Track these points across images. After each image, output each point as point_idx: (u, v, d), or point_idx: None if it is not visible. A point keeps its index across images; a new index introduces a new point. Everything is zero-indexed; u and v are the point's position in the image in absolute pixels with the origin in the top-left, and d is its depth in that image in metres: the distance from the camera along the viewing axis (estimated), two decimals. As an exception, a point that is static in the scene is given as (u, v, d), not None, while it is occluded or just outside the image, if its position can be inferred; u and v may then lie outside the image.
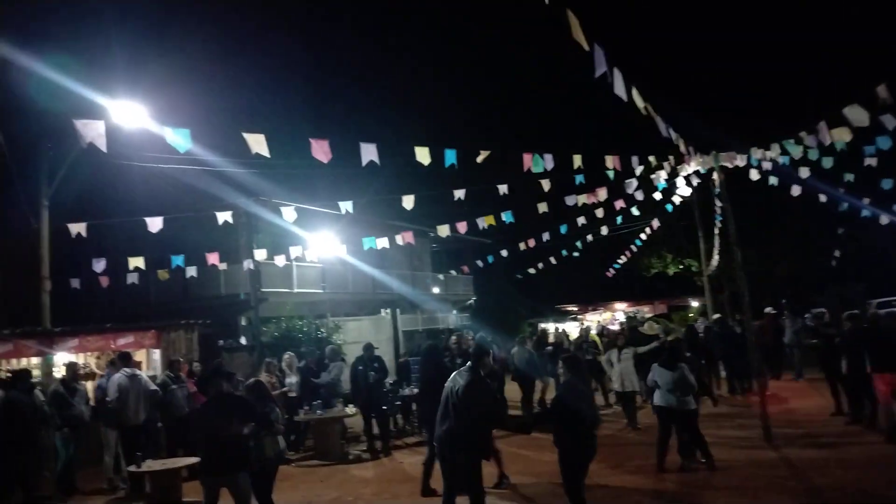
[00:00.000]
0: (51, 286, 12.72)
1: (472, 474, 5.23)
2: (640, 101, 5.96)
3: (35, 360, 11.18)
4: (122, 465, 8.98)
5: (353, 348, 15.54)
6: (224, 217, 11.10)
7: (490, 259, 19.24)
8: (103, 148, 5.48)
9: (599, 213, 13.99)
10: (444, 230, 12.59)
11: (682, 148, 9.13)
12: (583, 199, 12.02)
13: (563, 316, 34.29)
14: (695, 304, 32.86)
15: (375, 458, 10.00)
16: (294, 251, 13.94)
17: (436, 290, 27.43)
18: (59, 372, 10.83)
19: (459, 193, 11.17)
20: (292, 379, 11.21)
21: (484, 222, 12.85)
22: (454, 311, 28.63)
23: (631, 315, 22.03)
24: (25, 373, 8.41)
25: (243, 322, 17.80)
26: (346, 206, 10.89)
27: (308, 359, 12.07)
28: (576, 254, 19.17)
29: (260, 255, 14.05)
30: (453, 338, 11.88)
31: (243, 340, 16.72)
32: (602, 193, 11.98)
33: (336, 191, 15.45)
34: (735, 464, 7.82)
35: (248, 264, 14.81)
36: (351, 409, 10.78)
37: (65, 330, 11.71)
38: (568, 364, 5.86)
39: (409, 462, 9.35)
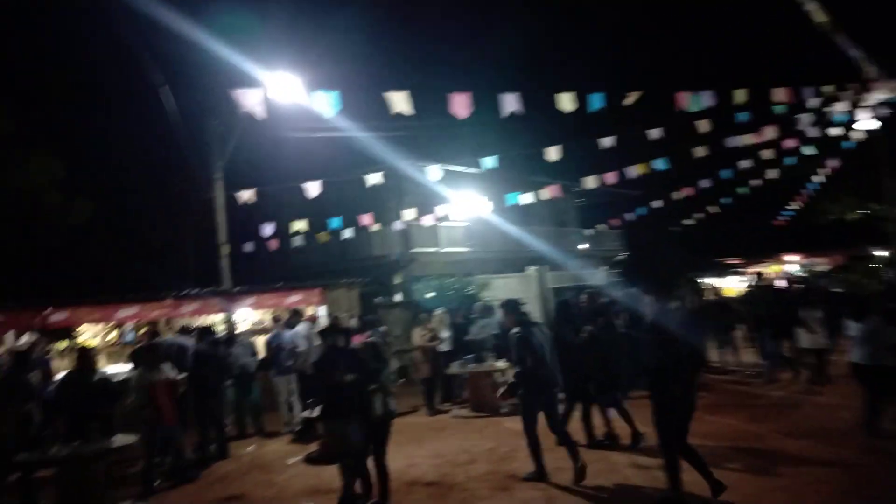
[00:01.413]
0: (228, 250, 14.05)
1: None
2: (821, 16, 5.19)
3: (219, 317, 12.49)
4: (296, 411, 9.81)
5: (501, 305, 15.69)
6: (374, 179, 11.51)
7: (642, 211, 18.31)
8: (262, 115, 5.82)
9: (766, 154, 12.69)
10: (591, 182, 12.10)
11: (868, 72, 7.93)
12: (747, 139, 10.93)
13: (724, 270, 32.00)
14: (882, 253, 29.15)
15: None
16: (440, 210, 14.18)
17: (583, 245, 26.79)
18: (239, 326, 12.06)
19: (607, 142, 10.62)
20: (445, 334, 11.53)
21: (635, 171, 12.15)
22: (603, 268, 27.82)
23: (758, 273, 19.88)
24: (208, 328, 9.40)
25: (397, 281, 18.61)
26: (489, 162, 10.82)
27: (457, 314, 12.33)
28: (739, 202, 17.65)
29: (409, 215, 14.47)
30: (583, 296, 11.58)
31: (397, 298, 17.49)
32: (769, 132, 10.81)
33: (479, 148, 15.42)
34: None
35: (397, 225, 15.36)
36: (502, 364, 10.89)
37: (243, 289, 12.95)
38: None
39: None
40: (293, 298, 13.09)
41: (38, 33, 15.21)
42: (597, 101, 7.97)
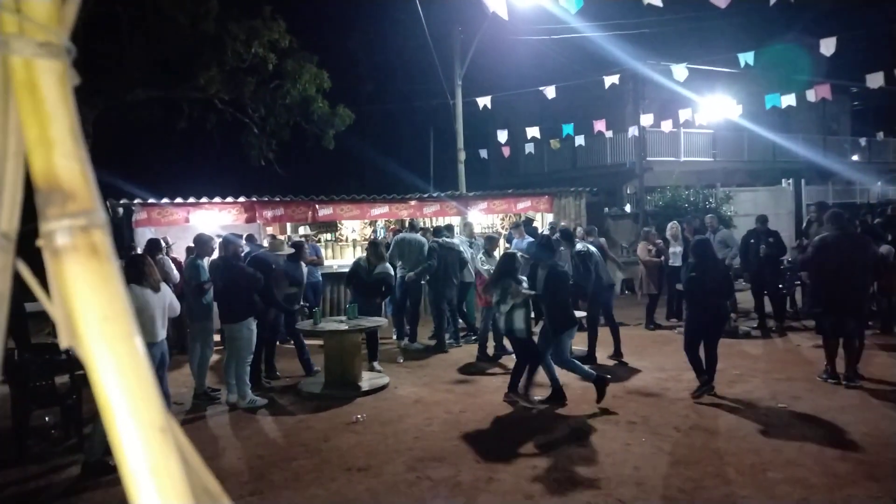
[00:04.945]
0: (464, 156, 14.72)
1: None
2: None
3: (455, 220, 13.33)
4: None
5: (745, 221, 14.40)
6: (611, 80, 11.03)
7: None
8: (504, 16, 5.83)
9: None
10: (876, 80, 10.21)
11: None
12: None
13: None
14: None
15: (766, 336, 9.34)
16: (682, 115, 13.17)
17: (855, 157, 23.10)
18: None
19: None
20: (676, 249, 10.98)
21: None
22: (879, 182, 23.73)
23: None
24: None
25: (628, 191, 17.99)
26: (747, 58, 9.65)
27: (690, 227, 11.60)
28: None
29: (646, 121, 13.68)
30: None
31: (628, 208, 16.95)
32: None
33: (733, 43, 13.72)
34: None
35: (633, 131, 14.67)
36: (740, 284, 10.16)
37: (477, 194, 13.59)
38: None
39: (806, 346, 8.50)
40: (522, 205, 13.41)
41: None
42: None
